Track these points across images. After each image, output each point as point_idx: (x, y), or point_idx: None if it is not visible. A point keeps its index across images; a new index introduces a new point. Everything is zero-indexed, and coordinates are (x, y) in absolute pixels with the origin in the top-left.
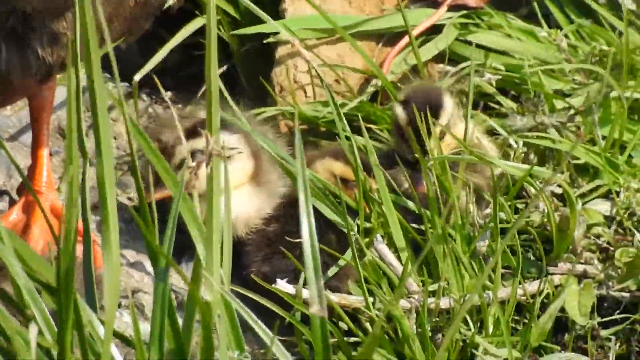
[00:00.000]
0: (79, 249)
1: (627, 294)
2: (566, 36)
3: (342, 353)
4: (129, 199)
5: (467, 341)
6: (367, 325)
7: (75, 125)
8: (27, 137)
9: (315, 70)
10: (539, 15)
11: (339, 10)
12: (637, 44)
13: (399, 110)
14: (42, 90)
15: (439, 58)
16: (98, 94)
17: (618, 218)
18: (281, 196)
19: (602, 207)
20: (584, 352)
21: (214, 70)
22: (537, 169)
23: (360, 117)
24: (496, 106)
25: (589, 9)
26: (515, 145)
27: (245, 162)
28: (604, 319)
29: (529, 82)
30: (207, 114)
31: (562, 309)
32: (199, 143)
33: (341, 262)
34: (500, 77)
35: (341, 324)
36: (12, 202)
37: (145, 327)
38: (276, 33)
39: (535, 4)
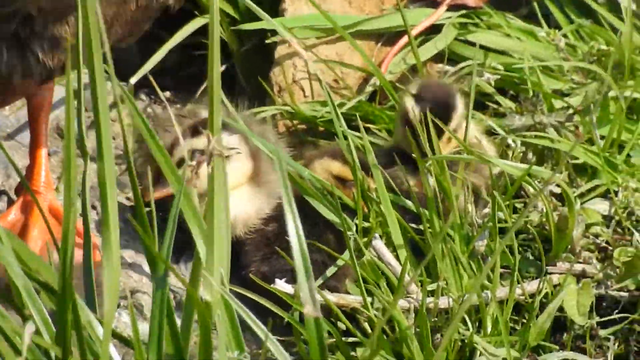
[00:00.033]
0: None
1: (625, 294)
2: (565, 36)
3: (340, 353)
4: (128, 198)
5: (466, 341)
6: (366, 325)
7: (73, 126)
8: (25, 137)
9: (313, 69)
10: (539, 15)
11: (339, 10)
12: (636, 43)
13: (410, 104)
14: (41, 90)
15: (438, 58)
16: (99, 95)
17: (617, 217)
18: (280, 196)
19: (601, 206)
20: (583, 351)
21: (217, 70)
22: (535, 169)
23: (358, 117)
24: (495, 106)
25: (589, 9)
26: (513, 145)
27: (244, 163)
28: (603, 319)
29: (528, 81)
30: (209, 113)
31: (561, 309)
32: (199, 142)
33: (339, 262)
34: (499, 76)
35: (339, 324)
36: (11, 202)
37: (144, 328)
38: (276, 33)
39: (535, 3)
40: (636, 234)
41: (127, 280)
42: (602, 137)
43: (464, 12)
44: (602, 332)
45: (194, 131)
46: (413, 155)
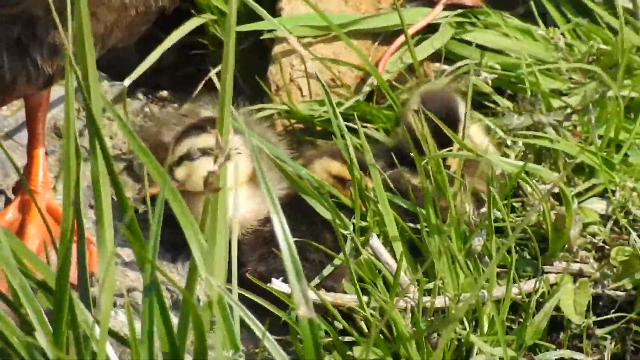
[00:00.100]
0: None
1: (622, 293)
2: (563, 35)
3: (336, 352)
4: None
5: (462, 340)
6: (362, 324)
7: (72, 125)
8: (23, 137)
9: (310, 68)
10: (536, 14)
11: (336, 9)
12: (633, 42)
13: (413, 118)
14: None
15: (435, 57)
16: (92, 95)
17: (614, 217)
18: (280, 196)
19: (598, 206)
20: (579, 350)
21: (230, 74)
22: (532, 166)
23: (356, 116)
24: (492, 105)
25: (586, 7)
26: (511, 145)
27: (245, 163)
28: (600, 318)
29: (526, 81)
30: (219, 114)
31: (558, 308)
32: (199, 141)
33: (336, 262)
34: (496, 76)
35: (336, 323)
36: (8, 201)
37: (140, 326)
38: (272, 31)
39: (532, 2)
40: (633, 233)
41: (123, 279)
42: (600, 137)
43: (460, 11)
44: (599, 332)
45: (193, 130)
46: (411, 154)
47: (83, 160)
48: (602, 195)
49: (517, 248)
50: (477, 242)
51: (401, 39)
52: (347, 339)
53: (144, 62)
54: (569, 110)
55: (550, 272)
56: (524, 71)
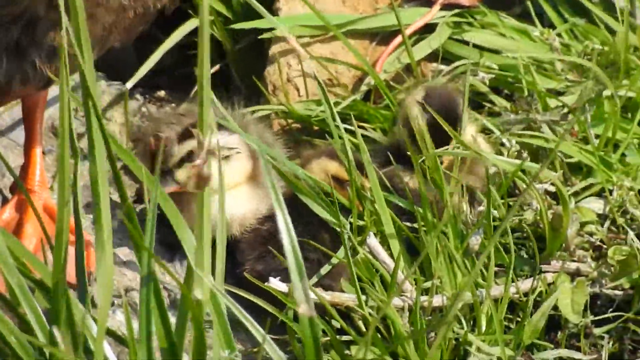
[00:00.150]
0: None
1: (620, 292)
2: (560, 35)
3: (334, 351)
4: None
5: (460, 339)
6: (360, 323)
7: (69, 125)
8: (20, 136)
9: (307, 68)
10: (533, 14)
11: (333, 9)
12: (630, 42)
13: (416, 113)
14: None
15: (432, 57)
16: (91, 94)
17: (611, 216)
18: None
19: (595, 205)
20: (577, 350)
21: (207, 70)
22: (529, 164)
23: (353, 116)
24: (489, 105)
25: (583, 7)
26: (508, 144)
27: (244, 162)
28: (597, 317)
29: (523, 80)
30: (199, 113)
31: (555, 307)
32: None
33: (334, 261)
34: (493, 75)
35: (334, 322)
36: (5, 201)
37: (138, 326)
38: (270, 30)
39: (528, 2)
40: (630, 232)
41: (121, 278)
42: (597, 136)
43: (458, 11)
44: (597, 331)
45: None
46: (409, 153)
47: (80, 160)
48: (600, 194)
49: (515, 247)
50: (475, 241)
51: (399, 39)
52: (344, 338)
53: (145, 64)
54: (565, 110)
55: (547, 272)
56: (521, 71)
